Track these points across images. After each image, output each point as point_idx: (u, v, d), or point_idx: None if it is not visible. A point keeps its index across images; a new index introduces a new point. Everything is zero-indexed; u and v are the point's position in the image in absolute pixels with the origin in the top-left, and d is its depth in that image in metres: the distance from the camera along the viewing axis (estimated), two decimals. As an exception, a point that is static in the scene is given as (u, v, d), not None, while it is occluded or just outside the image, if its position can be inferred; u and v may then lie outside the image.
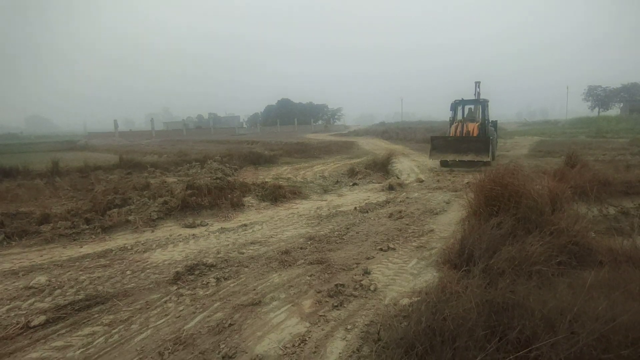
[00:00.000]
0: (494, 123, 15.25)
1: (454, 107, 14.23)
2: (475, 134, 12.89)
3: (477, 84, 14.13)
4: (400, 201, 8.03)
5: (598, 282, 2.94)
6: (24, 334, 3.15)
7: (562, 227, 4.05)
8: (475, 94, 14.12)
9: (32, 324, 3.25)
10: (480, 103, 14.00)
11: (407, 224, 6.12)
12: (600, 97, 71.71)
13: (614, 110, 69.59)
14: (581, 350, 2.17)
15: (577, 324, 2.29)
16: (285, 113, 66.27)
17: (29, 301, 3.72)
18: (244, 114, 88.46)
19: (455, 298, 2.76)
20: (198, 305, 3.56)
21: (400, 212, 6.87)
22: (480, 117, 13.84)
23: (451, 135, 13.29)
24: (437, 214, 6.83)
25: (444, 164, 13.24)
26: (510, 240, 3.80)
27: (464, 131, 13.05)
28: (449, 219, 6.40)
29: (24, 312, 3.51)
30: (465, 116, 14.33)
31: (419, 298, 3.26)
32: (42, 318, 3.33)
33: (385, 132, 35.54)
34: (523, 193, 4.36)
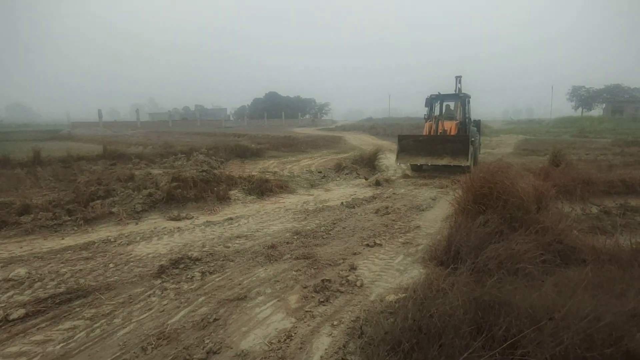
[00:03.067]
0: (477, 122, 13.45)
1: (430, 103, 12.43)
2: (453, 133, 11.24)
3: (458, 78, 12.38)
4: (387, 197, 8.06)
5: (582, 281, 2.99)
6: (3, 327, 3.06)
7: (547, 225, 4.11)
8: (456, 90, 12.36)
9: (11, 317, 3.16)
10: (460, 98, 12.14)
11: (393, 220, 6.14)
12: (583, 97, 73.06)
13: (597, 111, 71.05)
14: (566, 348, 2.20)
15: (562, 323, 2.32)
16: (273, 106, 65.76)
17: (8, 294, 3.61)
18: (231, 106, 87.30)
19: (442, 295, 2.78)
20: (182, 300, 3.51)
21: (386, 207, 6.90)
22: (461, 114, 12.10)
23: (424, 134, 11.58)
24: (423, 210, 6.88)
25: (415, 168, 11.63)
26: (497, 238, 3.83)
27: (440, 130, 11.33)
28: (435, 216, 6.45)
29: (3, 305, 3.40)
30: (443, 113, 12.58)
31: (405, 294, 3.27)
32: (22, 311, 3.24)
33: (373, 127, 35.59)
34: (510, 191, 4.40)
